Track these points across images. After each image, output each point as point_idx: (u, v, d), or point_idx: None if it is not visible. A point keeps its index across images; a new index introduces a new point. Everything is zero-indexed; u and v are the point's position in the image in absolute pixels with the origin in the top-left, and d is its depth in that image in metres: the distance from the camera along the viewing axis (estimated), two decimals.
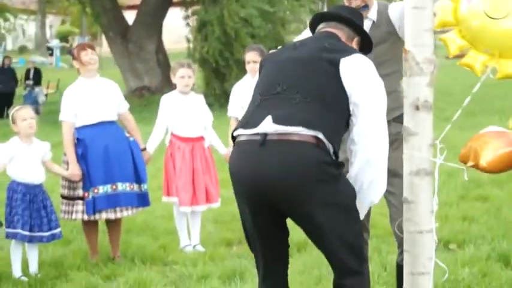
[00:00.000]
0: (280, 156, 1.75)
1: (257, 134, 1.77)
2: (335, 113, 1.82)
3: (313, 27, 2.08)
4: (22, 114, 3.35)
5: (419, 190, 1.84)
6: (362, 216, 1.92)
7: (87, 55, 3.48)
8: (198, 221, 3.97)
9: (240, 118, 4.03)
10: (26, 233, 3.25)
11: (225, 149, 4.00)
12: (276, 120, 1.75)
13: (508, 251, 3.30)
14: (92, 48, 3.58)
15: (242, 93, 3.85)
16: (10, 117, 3.42)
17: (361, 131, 1.83)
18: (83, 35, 32.93)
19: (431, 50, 1.84)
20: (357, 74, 1.83)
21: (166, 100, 3.99)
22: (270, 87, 1.88)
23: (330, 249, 1.84)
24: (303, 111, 1.78)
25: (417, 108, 1.83)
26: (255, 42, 10.67)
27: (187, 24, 13.91)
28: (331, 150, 1.78)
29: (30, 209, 3.29)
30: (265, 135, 1.75)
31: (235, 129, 1.94)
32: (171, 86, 4.21)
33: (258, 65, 4.08)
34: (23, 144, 3.32)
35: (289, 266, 2.05)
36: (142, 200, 3.68)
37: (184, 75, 3.86)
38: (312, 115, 1.77)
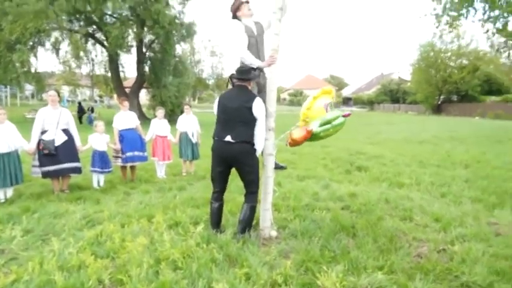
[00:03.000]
0: (234, 149, 4.48)
1: (224, 140, 4.50)
2: (252, 128, 4.51)
3: (231, 79, 4.65)
4: None
5: (269, 156, 4.82)
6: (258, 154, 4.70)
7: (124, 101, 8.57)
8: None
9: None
10: None
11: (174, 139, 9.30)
12: (232, 137, 4.49)
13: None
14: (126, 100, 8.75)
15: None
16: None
17: (257, 131, 4.54)
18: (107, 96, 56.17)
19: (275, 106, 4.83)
20: (257, 108, 4.44)
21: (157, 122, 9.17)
22: (226, 119, 4.52)
23: (244, 181, 4.68)
24: (241, 130, 4.45)
25: (270, 129, 4.78)
26: None
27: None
28: (252, 143, 4.52)
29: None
30: (228, 141, 4.49)
31: (214, 135, 4.64)
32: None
33: None
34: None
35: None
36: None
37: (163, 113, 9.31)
38: (244, 132, 4.47)
